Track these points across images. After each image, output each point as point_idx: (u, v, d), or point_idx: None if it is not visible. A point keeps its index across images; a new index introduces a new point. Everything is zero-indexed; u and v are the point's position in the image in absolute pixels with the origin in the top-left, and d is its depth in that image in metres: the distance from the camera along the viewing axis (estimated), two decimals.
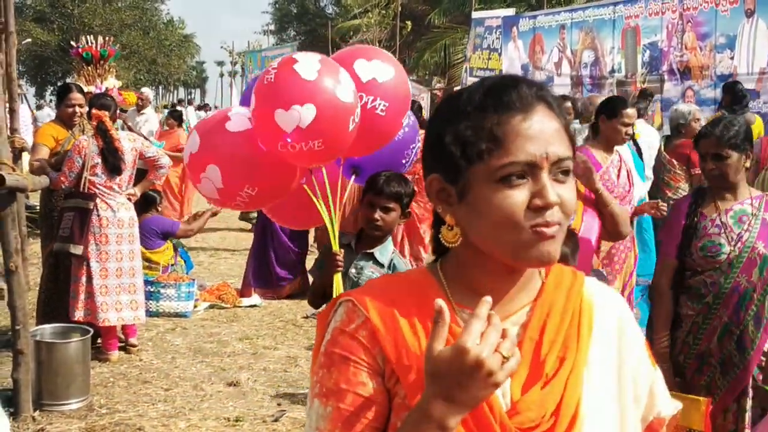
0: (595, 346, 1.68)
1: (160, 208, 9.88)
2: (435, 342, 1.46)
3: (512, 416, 1.57)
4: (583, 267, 4.42)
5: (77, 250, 7.19)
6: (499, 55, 19.61)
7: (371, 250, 4.61)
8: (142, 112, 15.27)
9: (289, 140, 4.18)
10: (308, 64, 4.21)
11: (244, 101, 4.72)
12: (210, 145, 4.38)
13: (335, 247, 4.60)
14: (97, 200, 7.28)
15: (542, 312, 1.67)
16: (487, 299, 1.47)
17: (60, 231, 7.31)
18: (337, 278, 4.48)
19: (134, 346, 7.77)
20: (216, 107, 35.44)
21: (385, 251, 4.63)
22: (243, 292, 10.21)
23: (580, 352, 1.64)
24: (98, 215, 7.26)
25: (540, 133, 1.55)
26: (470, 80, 19.50)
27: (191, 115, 27.70)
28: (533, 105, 1.57)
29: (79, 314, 7.25)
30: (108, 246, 7.31)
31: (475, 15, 22.03)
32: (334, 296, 4.37)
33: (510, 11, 22.06)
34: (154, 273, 9.46)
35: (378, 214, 4.51)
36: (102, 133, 7.30)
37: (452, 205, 1.63)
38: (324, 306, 1.79)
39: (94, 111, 7.38)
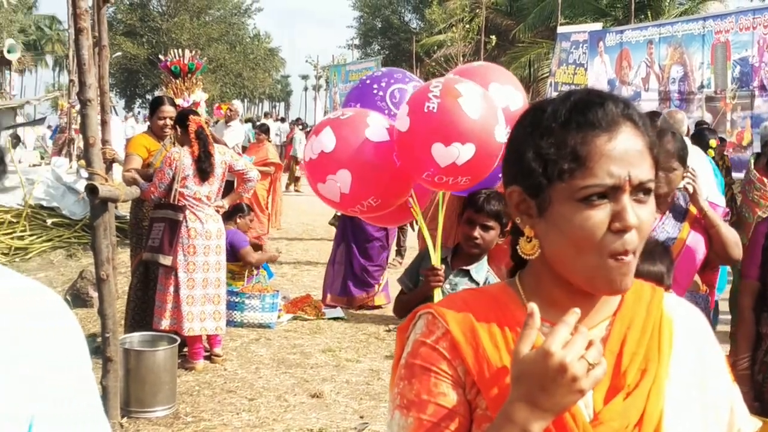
0: (675, 361, 1.66)
1: (239, 221, 9.93)
2: (522, 345, 1.46)
3: (595, 426, 1.56)
4: (683, 279, 4.34)
5: (166, 260, 7.32)
6: (585, 70, 19.45)
7: (467, 267, 4.59)
8: (229, 124, 15.48)
9: (437, 175, 4.14)
10: (473, 99, 4.10)
11: (351, 101, 4.68)
12: (347, 148, 4.27)
13: (436, 261, 4.58)
14: (186, 212, 7.41)
15: (622, 325, 1.66)
16: (576, 310, 1.47)
17: (150, 241, 7.45)
18: (437, 293, 4.45)
19: (219, 356, 7.86)
20: (297, 119, 35.69)
21: (481, 269, 4.60)
22: (323, 299, 10.38)
23: (662, 365, 1.63)
24: (187, 226, 7.39)
25: (624, 154, 1.53)
26: (555, 95, 19.37)
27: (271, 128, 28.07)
28: (619, 124, 1.55)
29: (165, 323, 7.37)
30: (195, 257, 7.43)
31: (560, 29, 21.89)
32: None
33: (597, 26, 21.86)
34: (239, 284, 9.56)
35: (478, 232, 4.48)
36: (200, 138, 7.44)
37: (532, 218, 1.63)
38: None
39: (191, 117, 7.51)
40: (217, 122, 16.20)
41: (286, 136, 31.32)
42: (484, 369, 1.59)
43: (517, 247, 1.69)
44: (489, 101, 4.20)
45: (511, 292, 1.70)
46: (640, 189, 1.54)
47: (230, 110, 15.67)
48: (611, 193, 1.52)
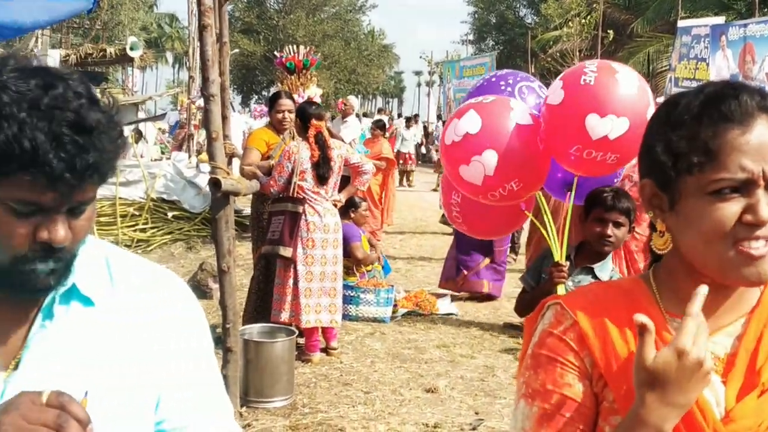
0: None
1: (353, 215, 9.99)
2: (645, 352, 1.45)
3: (726, 424, 1.53)
4: None
5: (286, 252, 7.42)
6: (707, 65, 18.95)
7: (592, 265, 4.55)
8: (345, 119, 15.61)
9: (587, 150, 4.11)
10: (629, 76, 4.16)
11: (478, 93, 4.68)
12: (493, 130, 4.31)
13: (559, 257, 4.55)
14: (306, 205, 7.50)
15: (759, 323, 1.62)
16: (701, 291, 1.47)
17: (269, 234, 7.57)
18: (560, 290, 4.42)
19: (334, 349, 7.94)
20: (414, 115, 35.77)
21: (606, 268, 4.56)
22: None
23: None
24: (306, 219, 7.48)
25: (759, 147, 1.49)
26: (674, 90, 18.90)
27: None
28: (754, 116, 1.51)
29: (284, 316, 7.47)
30: (314, 250, 7.51)
31: (681, 23, 21.36)
32: None
33: (719, 19, 21.27)
34: (354, 278, 9.63)
35: (611, 230, 4.44)
36: (319, 143, 7.54)
37: (664, 212, 1.61)
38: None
39: (313, 122, 7.60)
40: (333, 117, 16.35)
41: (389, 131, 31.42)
42: (611, 362, 1.58)
43: (651, 243, 1.67)
44: (642, 82, 4.19)
45: (644, 286, 1.68)
46: None
47: (345, 105, 15.80)
48: (744, 187, 1.49)
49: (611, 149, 4.10)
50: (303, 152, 7.48)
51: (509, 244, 11.78)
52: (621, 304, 1.64)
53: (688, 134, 1.52)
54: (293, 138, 8.05)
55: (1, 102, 1.35)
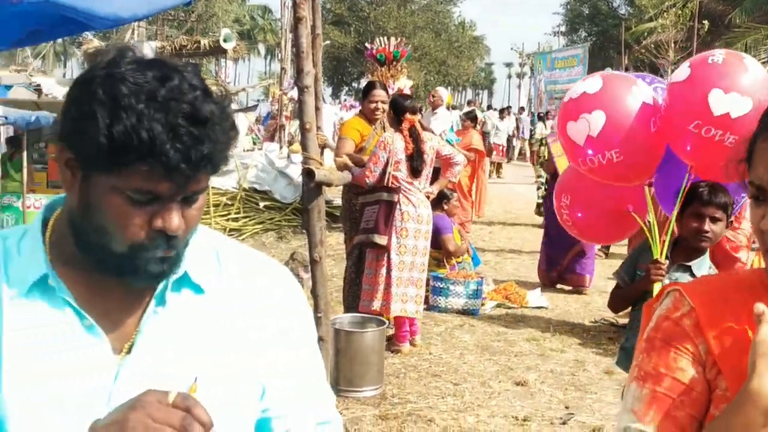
0: None
1: (446, 207, 10.00)
2: (762, 331, 1.44)
3: None
4: None
5: (382, 240, 7.45)
6: None
7: (689, 263, 4.47)
8: (435, 111, 15.60)
9: (706, 126, 4.11)
10: (755, 62, 4.24)
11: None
12: (610, 94, 4.36)
13: (658, 254, 4.49)
14: (400, 194, 7.52)
15: None
16: None
17: (363, 223, 7.61)
18: (657, 287, 4.36)
19: (415, 345, 7.91)
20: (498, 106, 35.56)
21: (703, 265, 4.47)
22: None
23: None
24: (400, 209, 7.50)
25: None
26: None
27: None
28: None
29: (376, 305, 7.50)
30: (407, 240, 7.54)
31: None
32: None
33: None
34: (443, 270, 9.63)
35: (708, 225, 4.37)
36: (413, 136, 7.57)
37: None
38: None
39: (407, 116, 7.63)
40: (422, 109, 16.34)
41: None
42: (726, 350, 1.58)
43: None
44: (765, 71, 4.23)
45: (764, 277, 1.68)
46: None
47: (434, 97, 15.80)
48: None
49: (731, 129, 4.06)
50: (398, 143, 7.51)
51: None
52: (739, 293, 1.64)
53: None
54: (384, 129, 8.08)
55: (120, 93, 1.39)
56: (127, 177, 1.42)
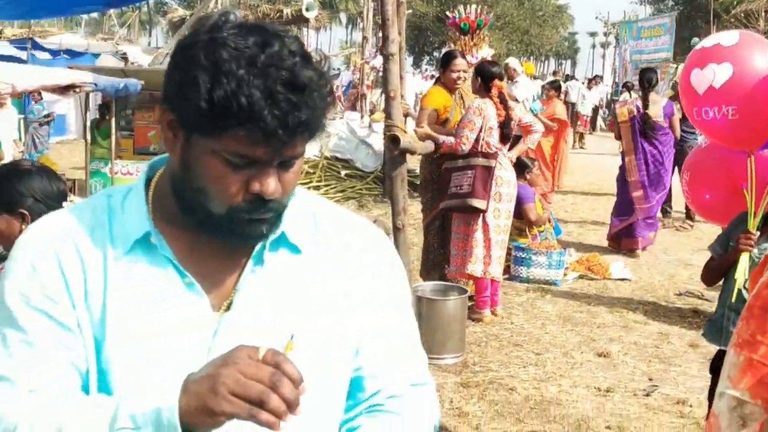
0: None
1: (528, 176, 9.93)
2: None
3: None
4: None
5: (481, 204, 7.45)
6: None
7: None
8: (515, 81, 15.49)
9: None
10: None
11: None
12: (744, 48, 4.32)
13: (751, 225, 4.42)
14: (497, 160, 7.54)
15: None
16: None
17: (453, 188, 7.56)
18: (744, 258, 4.30)
19: (496, 315, 7.89)
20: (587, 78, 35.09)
21: None
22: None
23: None
24: (497, 174, 7.53)
25: None
26: None
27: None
28: None
29: (474, 268, 7.51)
30: (500, 204, 7.57)
31: None
32: (736, 276, 4.24)
33: None
34: (525, 240, 9.57)
35: None
36: (503, 102, 7.57)
37: None
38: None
39: (496, 82, 7.64)
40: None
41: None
42: None
43: None
44: None
45: None
46: None
47: (507, 70, 15.67)
48: None
49: None
50: (490, 109, 7.50)
51: (660, 201, 11.54)
52: None
53: None
54: (462, 99, 8.08)
55: (221, 58, 1.42)
56: (225, 141, 1.44)
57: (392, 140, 5.71)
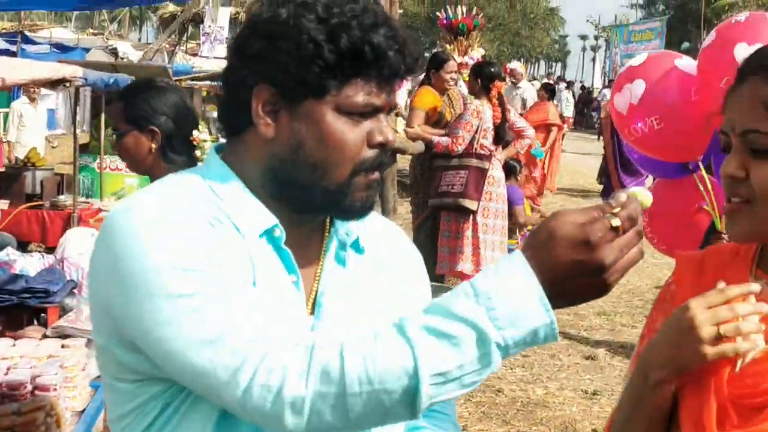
0: None
1: (519, 178, 9.96)
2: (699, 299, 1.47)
3: None
4: None
5: (472, 205, 7.52)
6: None
7: None
8: (518, 86, 15.57)
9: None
10: None
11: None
12: (651, 65, 4.49)
13: (719, 226, 4.47)
14: (491, 161, 7.59)
15: None
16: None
17: (444, 186, 7.60)
18: None
19: None
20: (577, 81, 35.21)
21: None
22: None
23: None
24: (490, 174, 7.60)
25: None
26: None
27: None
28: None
29: (464, 266, 7.56)
30: (491, 203, 7.67)
31: None
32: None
33: None
34: (513, 241, 9.57)
35: None
36: (501, 104, 7.64)
37: None
38: None
39: (496, 83, 7.71)
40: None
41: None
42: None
43: None
44: None
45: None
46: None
47: (512, 72, 15.72)
48: None
49: None
50: (486, 111, 7.56)
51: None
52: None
53: None
54: (450, 99, 8.18)
55: (331, 13, 1.48)
56: (347, 92, 1.48)
57: None
